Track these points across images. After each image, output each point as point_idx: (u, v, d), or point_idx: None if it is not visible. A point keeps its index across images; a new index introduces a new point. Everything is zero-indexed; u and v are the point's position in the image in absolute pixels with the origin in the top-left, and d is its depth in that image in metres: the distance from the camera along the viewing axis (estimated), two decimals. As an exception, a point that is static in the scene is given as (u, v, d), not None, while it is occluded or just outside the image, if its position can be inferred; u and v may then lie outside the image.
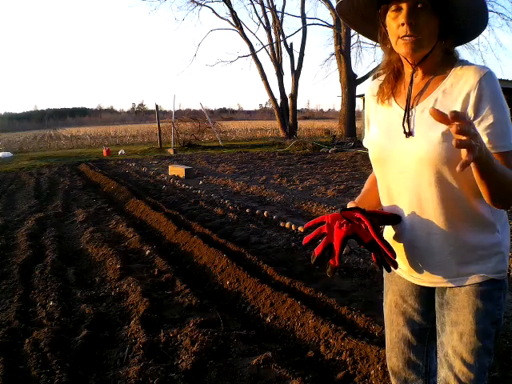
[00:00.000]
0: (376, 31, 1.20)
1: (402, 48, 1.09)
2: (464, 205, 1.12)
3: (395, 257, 1.14)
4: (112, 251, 4.32)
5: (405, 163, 1.14)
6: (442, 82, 1.12)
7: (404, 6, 1.05)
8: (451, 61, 1.14)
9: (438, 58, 1.13)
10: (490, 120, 1.04)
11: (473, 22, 1.10)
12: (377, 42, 1.22)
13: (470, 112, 1.06)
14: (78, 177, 10.93)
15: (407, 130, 1.14)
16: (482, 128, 1.04)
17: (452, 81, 1.10)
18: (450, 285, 1.19)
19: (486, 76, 1.06)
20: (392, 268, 1.25)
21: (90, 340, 2.63)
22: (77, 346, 2.56)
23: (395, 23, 1.08)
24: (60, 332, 2.71)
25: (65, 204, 7.31)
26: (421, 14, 1.05)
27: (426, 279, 1.22)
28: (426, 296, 1.29)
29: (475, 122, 1.05)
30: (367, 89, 1.33)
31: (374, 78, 1.30)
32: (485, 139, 1.03)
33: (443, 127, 1.07)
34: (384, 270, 1.40)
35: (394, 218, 1.20)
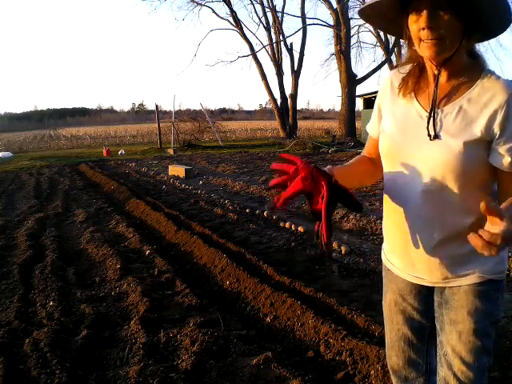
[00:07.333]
0: (400, 30, 1.17)
1: (425, 51, 1.08)
2: (470, 210, 1.13)
3: (329, 238, 1.10)
4: (112, 251, 4.32)
5: (419, 165, 1.14)
6: (469, 91, 1.11)
7: (424, 8, 1.04)
8: (478, 68, 1.12)
9: (463, 60, 1.11)
10: None
11: (497, 18, 1.07)
12: (402, 38, 1.20)
13: (496, 129, 1.06)
14: (78, 177, 10.93)
15: (432, 133, 1.12)
16: (506, 147, 1.06)
17: (479, 91, 1.09)
18: (450, 285, 1.19)
19: None
20: (389, 263, 1.31)
21: (90, 340, 2.63)
22: (77, 346, 2.56)
23: (416, 26, 1.07)
24: (60, 332, 2.71)
25: (65, 204, 7.32)
26: (441, 16, 1.03)
27: (426, 279, 1.23)
28: (424, 295, 1.29)
29: (500, 140, 1.06)
30: (387, 77, 1.30)
31: (396, 67, 1.27)
32: (507, 160, 1.06)
33: (465, 137, 1.07)
34: (383, 269, 1.40)
35: (356, 205, 1.15)
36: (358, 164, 1.38)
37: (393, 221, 1.26)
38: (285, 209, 1.35)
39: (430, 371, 1.34)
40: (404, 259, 1.25)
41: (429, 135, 1.12)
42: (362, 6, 1.14)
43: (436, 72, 1.13)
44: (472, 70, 1.12)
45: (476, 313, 1.15)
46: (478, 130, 1.07)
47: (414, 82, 1.19)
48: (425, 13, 1.04)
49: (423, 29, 1.05)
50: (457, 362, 1.17)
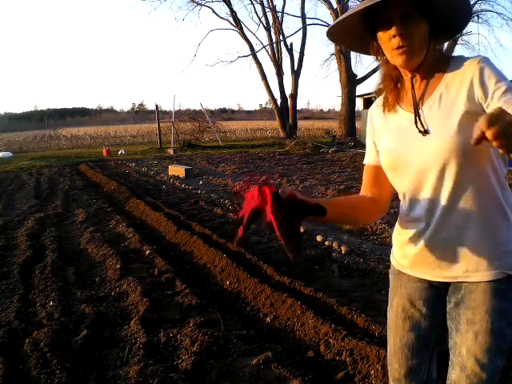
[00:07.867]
0: (367, 45, 1.22)
1: (397, 59, 1.12)
2: (485, 196, 1.14)
3: (291, 243, 1.07)
4: (112, 251, 4.32)
5: (424, 162, 1.15)
6: (443, 78, 1.15)
7: (392, 17, 1.09)
8: (446, 58, 1.17)
9: (432, 59, 1.16)
10: (501, 89, 1.04)
11: (458, 17, 1.15)
12: (369, 55, 1.25)
13: (479, 94, 1.07)
14: (78, 177, 10.94)
15: (422, 129, 1.15)
16: (496, 98, 1.04)
17: (452, 75, 1.14)
18: (469, 280, 1.17)
19: (483, 60, 1.09)
20: (400, 266, 1.29)
21: (90, 340, 2.63)
22: (77, 346, 2.56)
23: (387, 35, 1.11)
24: (60, 332, 2.71)
25: (65, 204, 7.32)
26: (409, 22, 1.08)
27: (446, 274, 1.21)
28: (434, 300, 1.27)
29: (487, 101, 1.05)
30: (372, 108, 1.34)
31: (378, 94, 1.31)
32: (503, 107, 1.02)
33: (458, 118, 1.10)
34: (392, 273, 1.38)
35: (319, 210, 1.12)
36: (352, 198, 1.36)
37: (409, 221, 1.25)
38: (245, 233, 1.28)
39: (430, 380, 1.32)
40: (425, 255, 1.23)
41: (420, 132, 1.15)
42: (331, 25, 1.19)
43: (410, 75, 1.18)
44: (441, 63, 1.17)
45: (493, 312, 1.13)
46: (463, 104, 1.10)
47: (394, 95, 1.24)
48: (394, 21, 1.09)
49: (394, 36, 1.09)
50: (471, 363, 1.14)
